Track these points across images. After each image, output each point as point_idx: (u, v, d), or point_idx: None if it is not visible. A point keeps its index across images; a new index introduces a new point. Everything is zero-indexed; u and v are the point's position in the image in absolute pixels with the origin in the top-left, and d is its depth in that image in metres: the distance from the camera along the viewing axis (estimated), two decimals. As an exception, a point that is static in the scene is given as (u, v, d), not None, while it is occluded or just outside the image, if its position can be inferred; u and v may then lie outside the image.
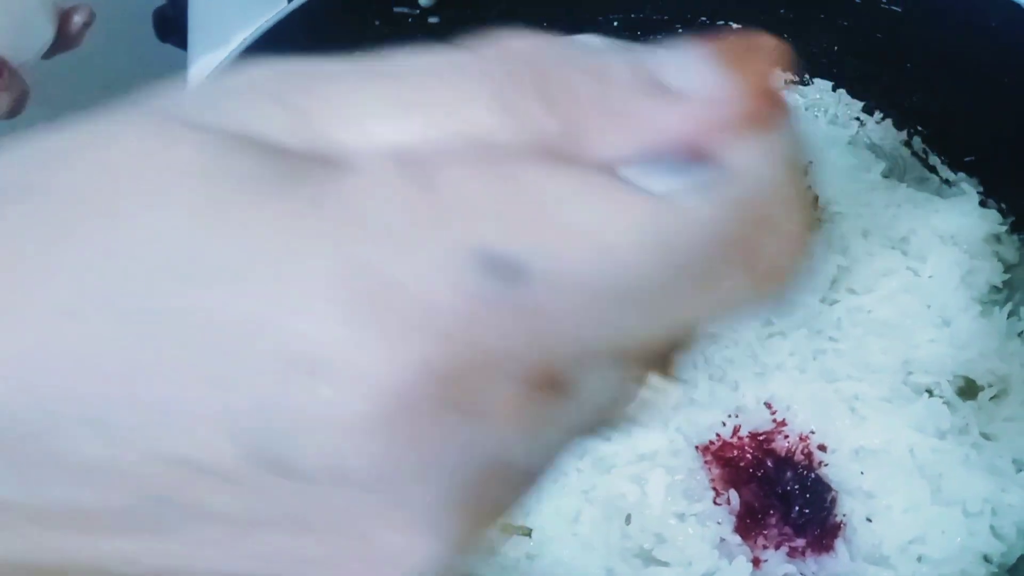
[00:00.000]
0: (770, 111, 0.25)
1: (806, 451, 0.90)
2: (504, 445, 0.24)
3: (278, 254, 0.22)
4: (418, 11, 1.09)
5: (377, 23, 1.08)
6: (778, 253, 0.26)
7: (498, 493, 0.26)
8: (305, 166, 0.23)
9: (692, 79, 0.25)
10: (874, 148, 1.13)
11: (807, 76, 1.15)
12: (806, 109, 1.15)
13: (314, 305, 0.22)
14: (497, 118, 0.24)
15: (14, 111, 0.91)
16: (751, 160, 0.25)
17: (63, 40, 0.94)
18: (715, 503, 0.87)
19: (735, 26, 1.15)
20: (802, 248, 0.27)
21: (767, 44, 0.27)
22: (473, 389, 0.23)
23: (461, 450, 0.23)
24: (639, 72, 0.25)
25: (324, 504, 0.23)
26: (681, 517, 0.86)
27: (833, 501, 0.88)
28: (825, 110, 1.15)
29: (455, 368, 0.22)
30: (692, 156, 0.24)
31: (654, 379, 0.29)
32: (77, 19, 0.94)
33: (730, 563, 0.84)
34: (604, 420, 0.28)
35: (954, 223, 1.02)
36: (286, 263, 0.22)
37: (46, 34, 0.92)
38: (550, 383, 0.24)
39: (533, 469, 0.26)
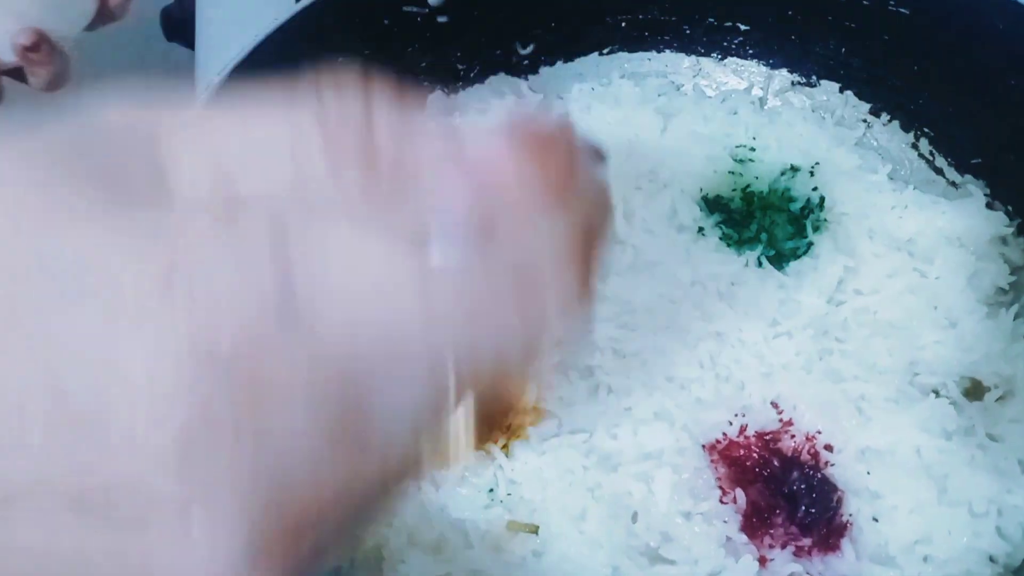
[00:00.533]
0: (554, 198, 0.30)
1: (812, 451, 0.90)
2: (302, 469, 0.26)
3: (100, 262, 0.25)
4: (427, 10, 1.09)
5: (386, 22, 1.08)
6: (543, 309, 0.30)
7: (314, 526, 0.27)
8: (139, 200, 0.27)
9: (488, 157, 0.30)
10: (881, 150, 1.13)
11: (814, 78, 1.16)
12: (813, 111, 1.15)
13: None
14: (319, 172, 0.28)
15: (54, 85, 0.92)
16: (524, 236, 0.29)
17: (105, 13, 0.95)
18: (721, 502, 0.87)
19: (743, 27, 1.15)
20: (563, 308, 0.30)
21: (567, 138, 0.32)
22: (259, 409, 0.25)
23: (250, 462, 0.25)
24: (449, 151, 0.30)
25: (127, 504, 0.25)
26: (687, 516, 0.86)
27: (839, 501, 0.88)
28: (832, 112, 1.15)
29: (239, 387, 0.25)
30: (480, 230, 0.28)
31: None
32: None
33: (736, 562, 0.85)
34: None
35: (960, 225, 1.03)
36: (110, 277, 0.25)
37: (88, 7, 0.93)
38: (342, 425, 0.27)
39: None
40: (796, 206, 1.06)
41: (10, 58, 0.89)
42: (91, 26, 0.95)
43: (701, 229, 1.03)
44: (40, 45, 0.88)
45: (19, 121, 0.27)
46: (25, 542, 0.25)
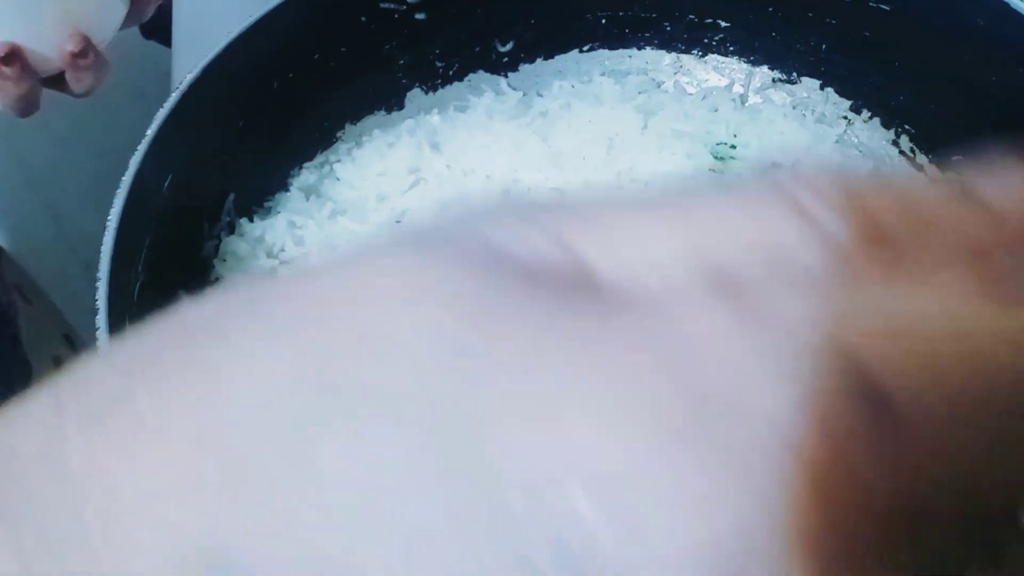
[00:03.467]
0: None
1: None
2: None
3: (579, 383, 0.19)
4: (404, 7, 1.08)
5: (363, 19, 1.07)
6: None
7: None
8: (576, 292, 0.21)
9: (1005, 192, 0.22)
10: (861, 147, 1.13)
11: (795, 74, 1.15)
12: (793, 108, 1.15)
13: (638, 435, 0.19)
14: (799, 233, 0.21)
15: (93, 89, 0.92)
16: None
17: (134, 14, 0.94)
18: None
19: (724, 24, 1.15)
20: None
21: None
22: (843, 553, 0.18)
23: None
24: (946, 188, 0.23)
25: None
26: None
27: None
28: (812, 109, 1.15)
29: (821, 519, 0.18)
30: None
31: None
32: None
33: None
34: None
35: (941, 223, 1.02)
36: (592, 393, 0.19)
37: (121, 10, 0.91)
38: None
39: None
40: (777, 204, 1.05)
41: (53, 64, 0.87)
42: (123, 26, 0.95)
43: (682, 228, 1.02)
44: (87, 51, 0.86)
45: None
46: None
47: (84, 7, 0.87)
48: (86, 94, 0.92)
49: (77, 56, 0.86)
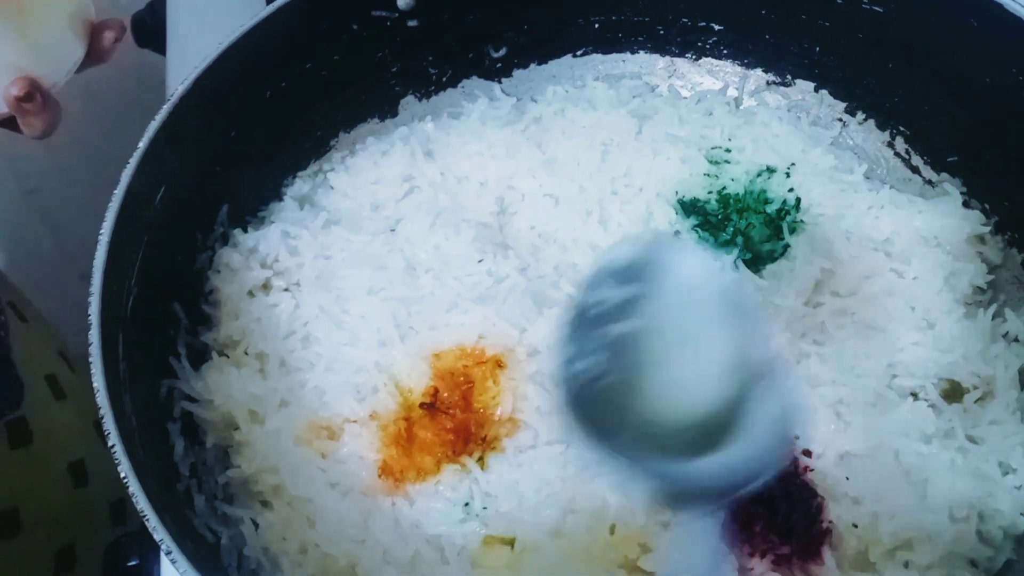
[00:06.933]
0: None
1: (791, 456, 0.89)
2: None
3: None
4: (396, 14, 1.08)
5: (355, 27, 1.07)
6: None
7: None
8: None
9: None
10: (856, 149, 1.13)
11: (789, 77, 1.15)
12: (788, 110, 1.14)
13: None
14: None
15: (47, 132, 0.91)
16: None
17: (94, 55, 0.94)
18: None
19: (717, 27, 1.14)
20: None
21: None
22: None
23: None
24: None
25: None
26: (666, 526, 0.85)
27: (819, 507, 0.87)
28: (807, 111, 1.14)
29: None
30: None
31: None
32: (108, 35, 0.93)
33: (716, 572, 0.83)
34: None
35: (937, 224, 1.02)
36: None
37: (76, 52, 0.91)
38: None
39: None
40: (772, 208, 1.05)
41: (2, 108, 0.88)
42: (79, 69, 0.94)
43: (677, 233, 1.02)
44: (33, 94, 0.86)
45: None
46: None
47: (32, 52, 0.87)
48: (41, 136, 0.91)
49: (22, 100, 0.86)
